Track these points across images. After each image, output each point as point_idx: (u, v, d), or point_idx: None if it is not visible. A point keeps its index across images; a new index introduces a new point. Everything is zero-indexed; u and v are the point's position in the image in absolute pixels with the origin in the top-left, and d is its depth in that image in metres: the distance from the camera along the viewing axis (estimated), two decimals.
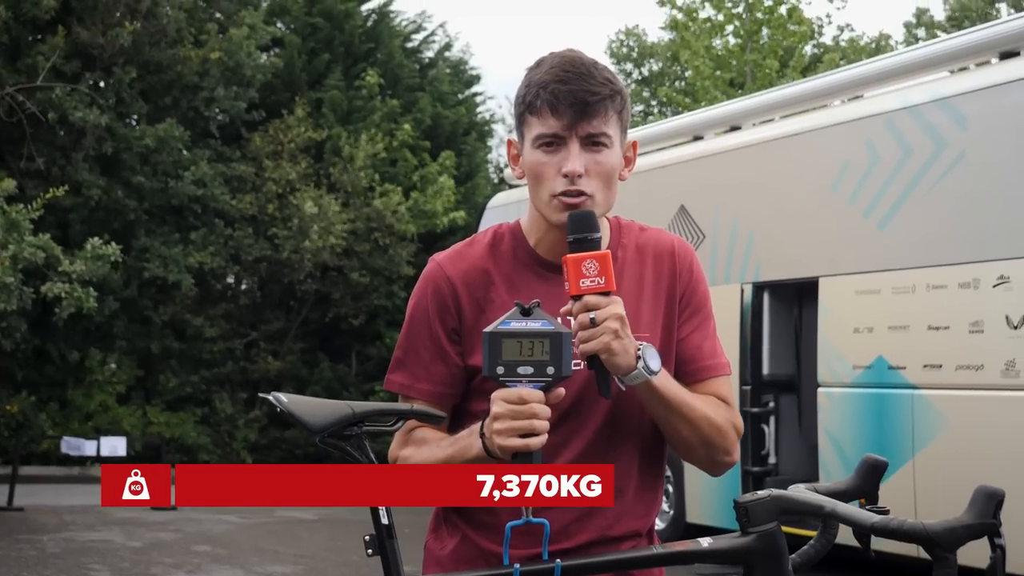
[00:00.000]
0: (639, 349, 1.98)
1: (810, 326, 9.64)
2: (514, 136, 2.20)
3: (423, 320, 2.18)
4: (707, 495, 10.04)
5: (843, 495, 1.81)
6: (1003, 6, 26.91)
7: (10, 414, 18.90)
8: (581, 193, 2.07)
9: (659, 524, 10.92)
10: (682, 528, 10.52)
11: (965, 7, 27.23)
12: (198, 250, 20.22)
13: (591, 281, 1.93)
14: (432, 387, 2.16)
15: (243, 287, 22.84)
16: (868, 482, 1.85)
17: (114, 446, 15.06)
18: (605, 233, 2.18)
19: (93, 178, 19.15)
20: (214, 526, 12.92)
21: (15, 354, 18.77)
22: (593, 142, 2.08)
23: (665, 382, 2.04)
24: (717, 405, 2.16)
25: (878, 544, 1.80)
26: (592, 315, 1.93)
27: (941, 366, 8.26)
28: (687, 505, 10.56)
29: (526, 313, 1.90)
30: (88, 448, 15.02)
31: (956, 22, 26.63)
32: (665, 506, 10.99)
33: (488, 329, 1.91)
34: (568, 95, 2.04)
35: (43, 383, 19.86)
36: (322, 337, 22.30)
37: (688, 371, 2.18)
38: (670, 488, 10.88)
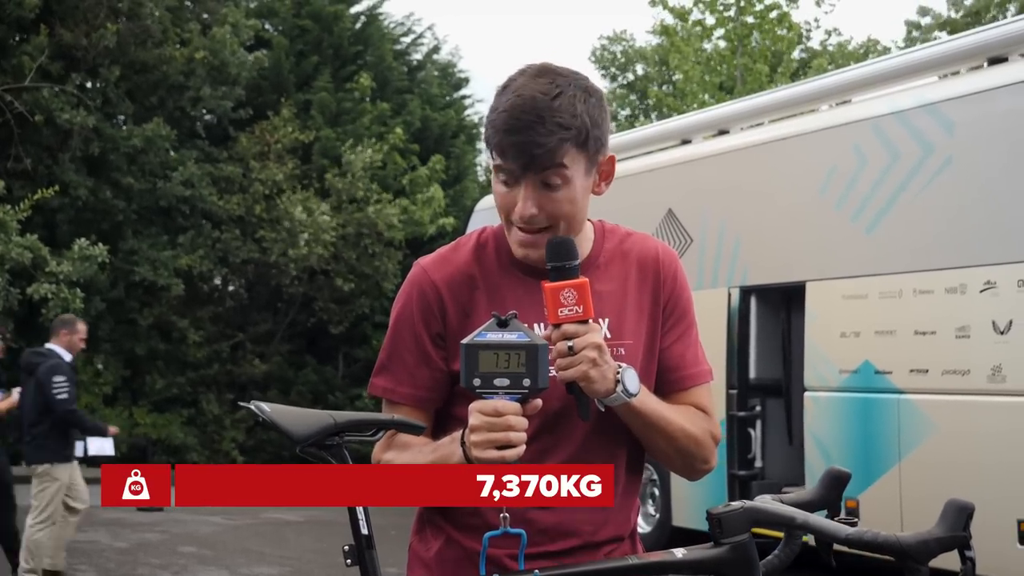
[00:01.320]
0: (619, 372, 2.00)
1: (797, 330, 9.64)
2: None
3: (408, 324, 2.18)
4: (693, 499, 10.04)
5: (807, 505, 1.83)
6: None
7: None
8: (536, 231, 2.09)
9: (645, 527, 10.95)
10: (668, 532, 10.53)
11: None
12: (186, 252, 20.20)
13: (569, 310, 1.95)
14: (416, 391, 2.16)
15: (230, 289, 22.81)
16: (832, 493, 1.86)
17: (101, 446, 15.00)
18: (588, 239, 2.20)
19: (80, 178, 19.13)
20: (200, 527, 12.90)
21: None
22: (545, 184, 2.07)
23: (644, 400, 2.06)
24: (695, 416, 2.18)
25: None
26: (570, 343, 1.95)
27: (928, 371, 8.27)
28: (673, 509, 10.56)
29: (503, 324, 1.90)
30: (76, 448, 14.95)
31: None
32: (651, 510, 10.99)
33: (465, 341, 1.92)
34: (514, 147, 2.03)
35: None
36: (309, 339, 22.29)
37: (671, 379, 2.20)
38: (656, 492, 10.88)
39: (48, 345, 8.59)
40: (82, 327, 8.86)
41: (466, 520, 2.14)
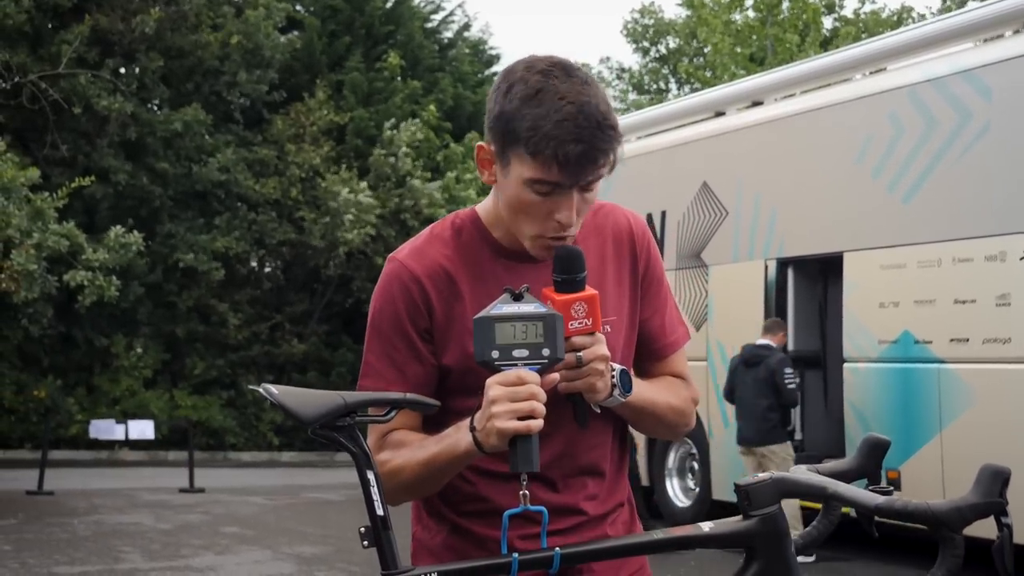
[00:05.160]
0: (614, 376, 2.00)
1: (835, 301, 9.57)
2: (485, 143, 2.04)
3: (393, 321, 2.12)
4: (733, 472, 9.99)
5: (845, 475, 1.78)
6: None
7: (38, 399, 19.07)
8: (567, 236, 2.01)
9: (685, 501, 10.92)
10: (708, 506, 10.50)
11: None
12: (223, 235, 20.31)
13: (579, 323, 1.93)
14: (411, 389, 2.06)
15: (266, 270, 22.91)
16: (870, 462, 1.81)
17: (142, 429, 15.15)
18: None
19: (118, 163, 19.27)
20: (241, 508, 12.99)
21: (42, 340, 18.92)
22: (584, 191, 1.99)
23: (636, 394, 2.06)
24: (677, 387, 2.20)
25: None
26: (579, 355, 1.92)
27: (968, 340, 8.18)
28: (713, 482, 10.53)
29: (517, 298, 1.88)
30: (117, 431, 15.10)
31: None
32: (691, 483, 10.96)
33: (479, 315, 1.88)
34: (582, 156, 1.91)
35: (70, 368, 20.01)
36: (346, 319, 22.34)
37: (652, 349, 2.20)
38: (695, 465, 10.85)
39: (763, 341, 9.47)
40: (786, 327, 9.85)
41: (470, 506, 2.11)
